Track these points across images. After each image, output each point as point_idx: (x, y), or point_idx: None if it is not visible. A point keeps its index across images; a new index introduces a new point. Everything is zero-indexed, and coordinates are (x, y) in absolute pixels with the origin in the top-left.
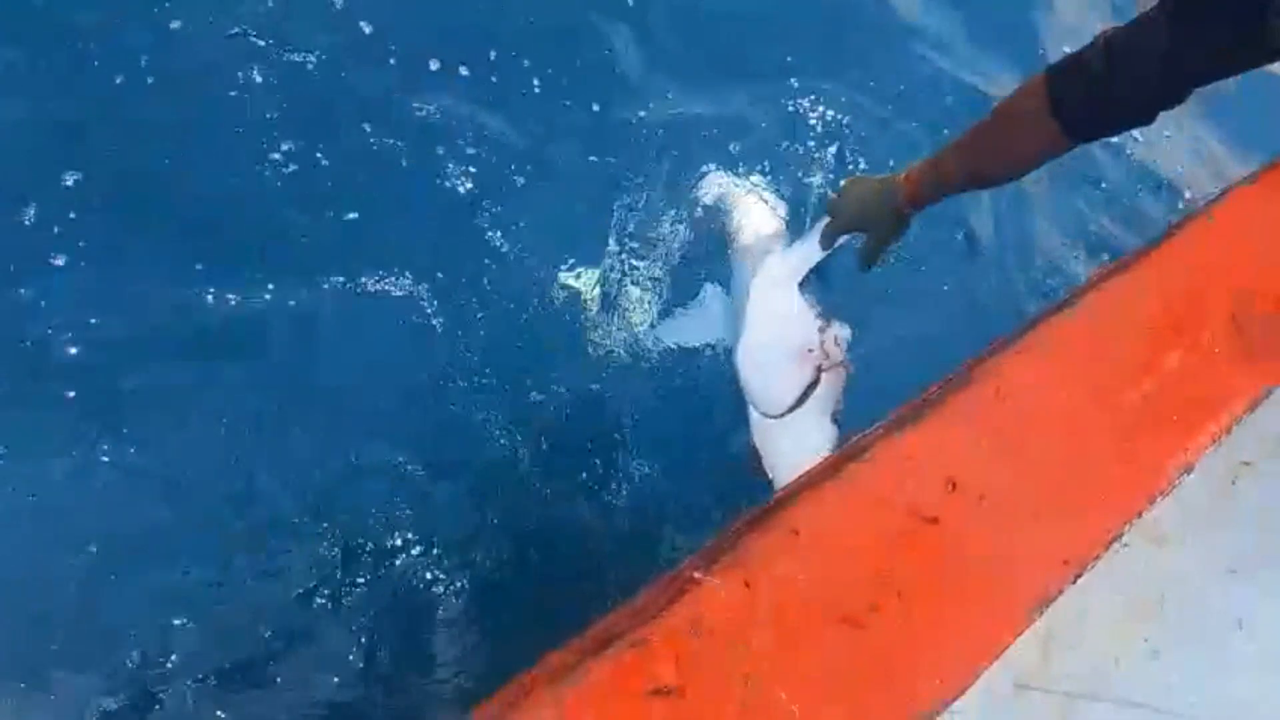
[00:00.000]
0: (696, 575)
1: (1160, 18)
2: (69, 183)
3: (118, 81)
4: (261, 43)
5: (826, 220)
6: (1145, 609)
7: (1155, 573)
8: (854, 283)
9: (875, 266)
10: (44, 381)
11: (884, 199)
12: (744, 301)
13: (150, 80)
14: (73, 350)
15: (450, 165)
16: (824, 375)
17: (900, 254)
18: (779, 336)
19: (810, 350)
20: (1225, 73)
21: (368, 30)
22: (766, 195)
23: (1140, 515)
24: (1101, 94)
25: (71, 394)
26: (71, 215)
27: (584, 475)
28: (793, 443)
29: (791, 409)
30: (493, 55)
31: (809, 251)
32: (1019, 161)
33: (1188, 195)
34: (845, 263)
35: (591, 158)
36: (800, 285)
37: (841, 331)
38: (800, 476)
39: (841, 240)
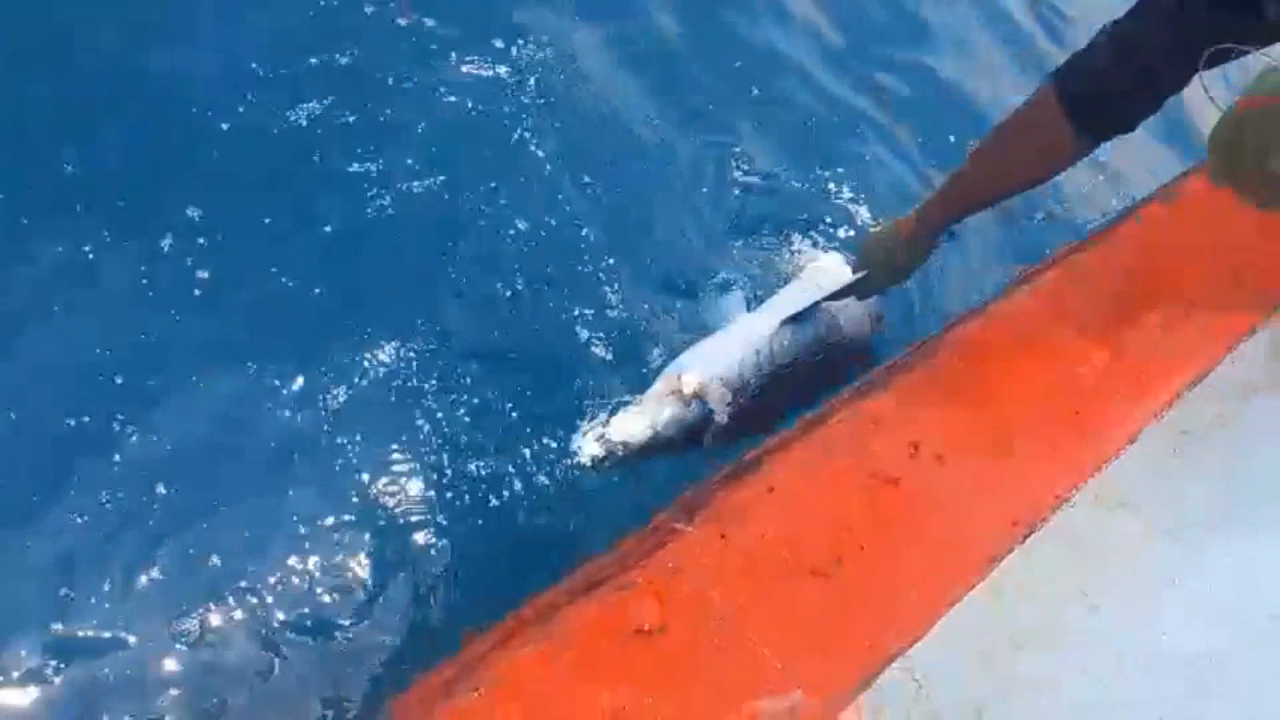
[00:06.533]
0: (676, 526)
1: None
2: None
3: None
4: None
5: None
6: (1087, 567)
7: (1097, 534)
8: None
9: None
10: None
11: (881, 244)
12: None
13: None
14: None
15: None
16: (641, 405)
17: None
18: (700, 351)
19: (671, 392)
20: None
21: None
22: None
23: (1087, 480)
24: (1116, 77)
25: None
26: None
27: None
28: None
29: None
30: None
31: (806, 292)
32: (1037, 174)
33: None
34: None
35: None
36: (790, 322)
37: (702, 386)
38: (774, 438)
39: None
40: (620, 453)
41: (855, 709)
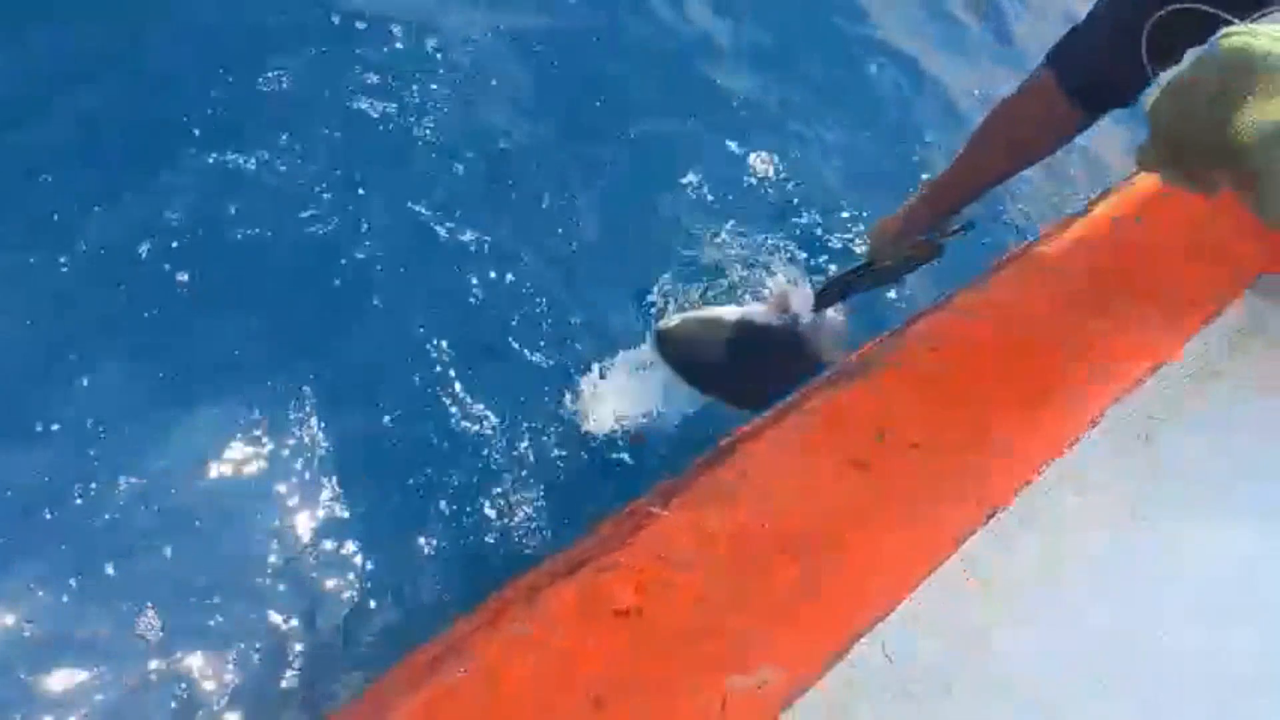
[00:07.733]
0: (652, 511)
1: None
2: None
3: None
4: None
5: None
6: (1055, 549)
7: (1066, 517)
8: None
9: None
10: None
11: (875, 235)
12: None
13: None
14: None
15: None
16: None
17: None
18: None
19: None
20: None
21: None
22: None
23: (1053, 464)
24: (1119, 75)
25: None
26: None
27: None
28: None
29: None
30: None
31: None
32: (1038, 154)
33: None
34: None
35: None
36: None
37: (793, 293)
38: (748, 426)
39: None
40: (707, 326)
41: (827, 682)
